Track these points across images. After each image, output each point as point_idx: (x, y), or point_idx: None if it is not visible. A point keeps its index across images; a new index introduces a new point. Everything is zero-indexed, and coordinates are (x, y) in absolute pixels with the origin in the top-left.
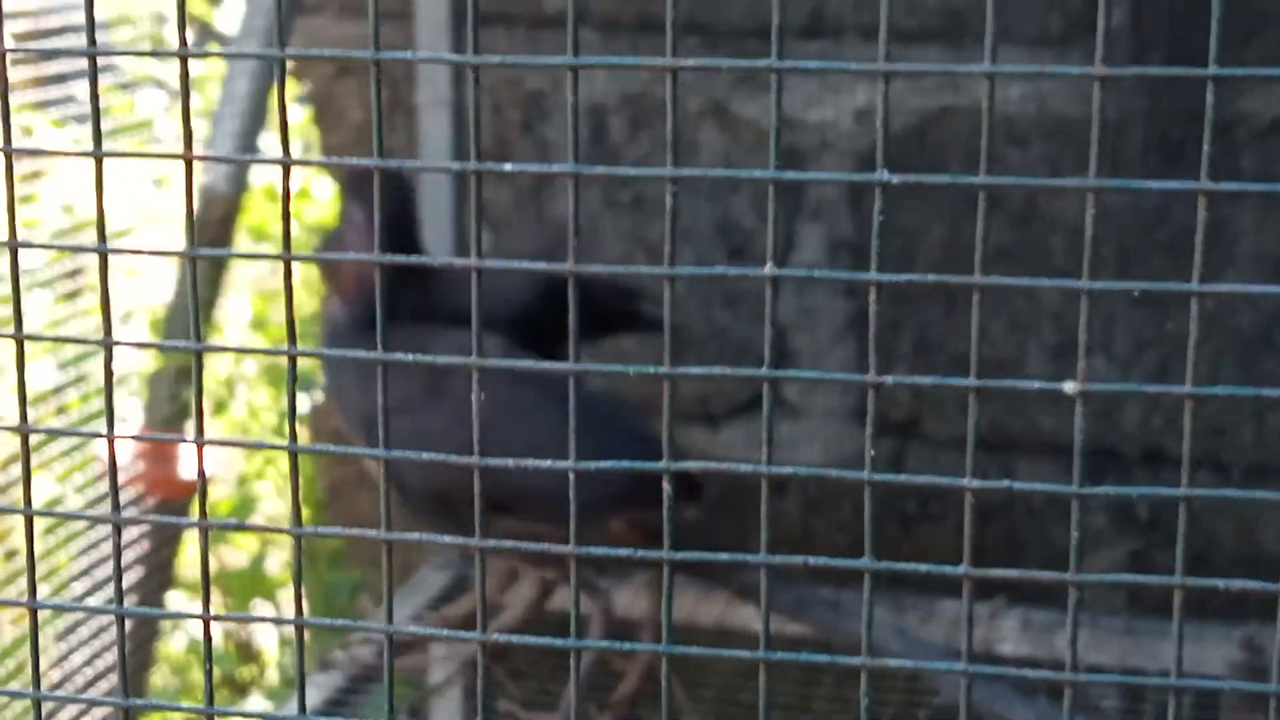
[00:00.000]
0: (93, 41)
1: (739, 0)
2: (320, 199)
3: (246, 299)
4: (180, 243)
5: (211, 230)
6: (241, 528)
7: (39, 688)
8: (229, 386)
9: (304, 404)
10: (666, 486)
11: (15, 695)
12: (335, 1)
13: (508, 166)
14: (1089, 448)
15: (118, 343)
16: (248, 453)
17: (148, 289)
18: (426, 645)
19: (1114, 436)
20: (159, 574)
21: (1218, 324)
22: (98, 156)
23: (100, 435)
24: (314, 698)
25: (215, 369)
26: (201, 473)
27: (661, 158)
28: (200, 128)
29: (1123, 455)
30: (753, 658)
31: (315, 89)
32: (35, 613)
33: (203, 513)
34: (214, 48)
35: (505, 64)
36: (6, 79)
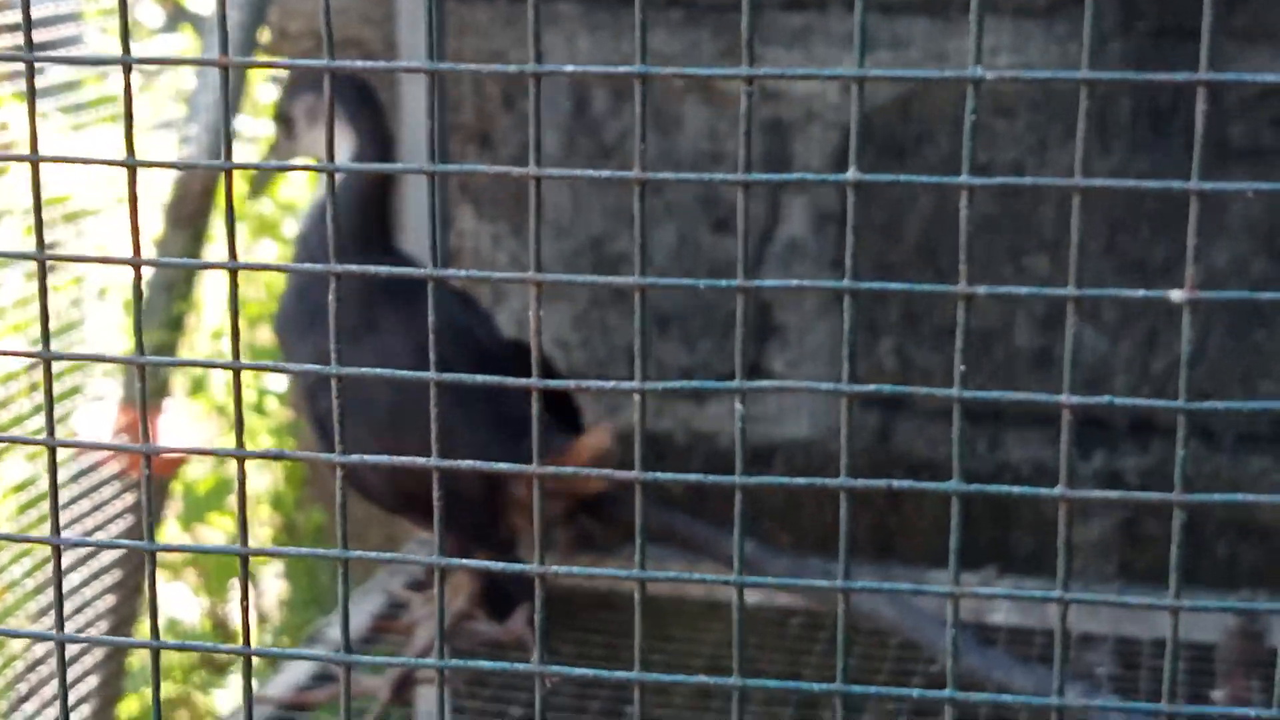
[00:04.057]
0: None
1: None
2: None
3: (223, 277)
4: (157, 223)
5: (192, 203)
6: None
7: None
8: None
9: (280, 383)
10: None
11: None
12: None
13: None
14: (1078, 419)
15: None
16: (227, 430)
17: (121, 269)
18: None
19: (1102, 408)
20: (139, 555)
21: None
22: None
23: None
24: (301, 671)
25: (196, 347)
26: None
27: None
28: (176, 109)
29: (1112, 426)
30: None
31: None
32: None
33: (239, 441)
34: (188, 29)
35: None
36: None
